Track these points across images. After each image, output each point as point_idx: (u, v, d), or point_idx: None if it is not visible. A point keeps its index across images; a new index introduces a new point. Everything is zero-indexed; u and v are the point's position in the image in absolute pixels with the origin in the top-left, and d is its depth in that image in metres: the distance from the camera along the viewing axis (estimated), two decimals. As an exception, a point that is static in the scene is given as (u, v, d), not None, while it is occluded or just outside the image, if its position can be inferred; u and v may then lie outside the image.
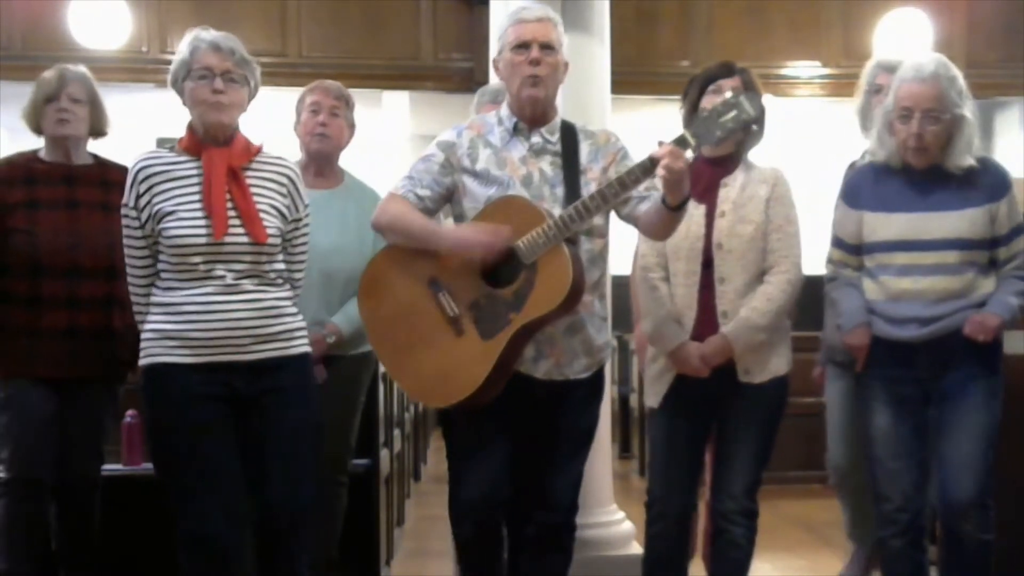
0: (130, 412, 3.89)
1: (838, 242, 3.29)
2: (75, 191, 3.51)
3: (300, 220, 3.04)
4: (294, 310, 3.00)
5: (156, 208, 2.89)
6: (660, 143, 2.73)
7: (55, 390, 3.45)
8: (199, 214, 2.87)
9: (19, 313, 3.43)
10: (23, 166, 3.54)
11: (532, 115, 2.99)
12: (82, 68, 3.60)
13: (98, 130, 3.60)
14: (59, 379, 3.45)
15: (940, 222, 3.10)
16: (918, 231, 3.11)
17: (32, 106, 3.53)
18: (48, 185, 3.50)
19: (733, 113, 2.74)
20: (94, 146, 3.67)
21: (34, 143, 3.63)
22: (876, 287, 3.17)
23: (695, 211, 3.16)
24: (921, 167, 3.14)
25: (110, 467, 3.76)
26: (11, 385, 3.44)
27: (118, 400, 3.65)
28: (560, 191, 2.95)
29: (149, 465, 3.83)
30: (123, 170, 3.61)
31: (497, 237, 2.85)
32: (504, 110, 3.04)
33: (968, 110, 3.10)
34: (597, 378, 3.09)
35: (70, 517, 3.54)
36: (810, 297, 3.50)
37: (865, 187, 3.22)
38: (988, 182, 3.14)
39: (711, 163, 3.23)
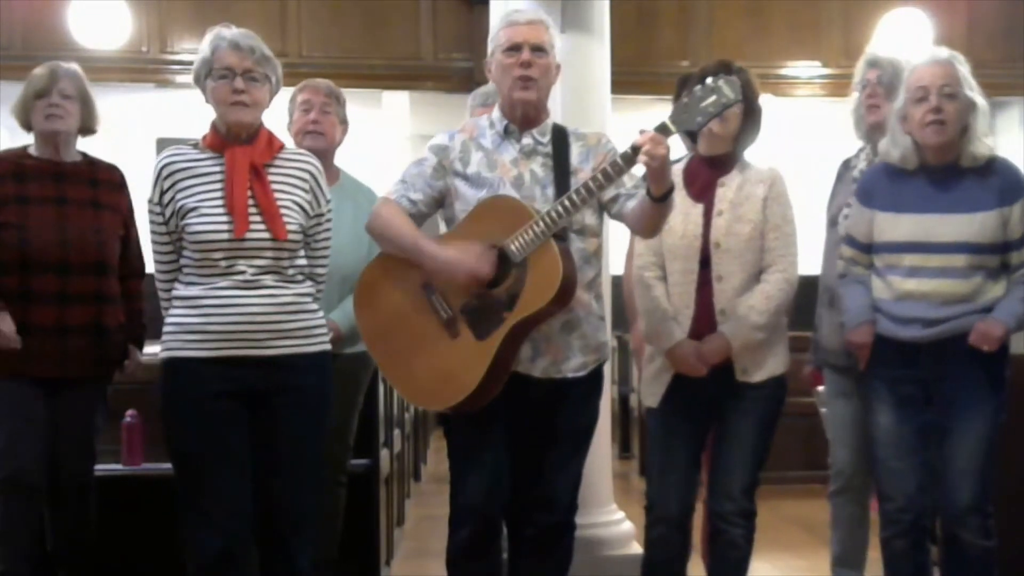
0: (130, 412, 3.88)
1: (850, 240, 3.29)
2: (64, 188, 3.49)
3: (322, 215, 3.06)
4: (315, 307, 3.02)
5: (180, 204, 2.93)
6: (641, 131, 2.72)
7: (45, 390, 3.43)
8: (221, 210, 2.89)
9: (9, 309, 3.40)
10: (12, 161, 3.52)
11: (523, 117, 2.99)
12: (74, 65, 3.59)
13: (88, 127, 3.58)
14: (50, 379, 3.43)
15: (950, 225, 3.08)
16: (927, 233, 3.09)
17: (22, 101, 3.52)
18: (38, 181, 3.48)
19: (713, 98, 2.71)
20: (90, 145, 3.65)
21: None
22: (884, 286, 3.16)
23: (692, 210, 3.17)
24: (939, 149, 3.09)
25: (110, 467, 3.77)
26: (1, 385, 3.40)
27: (107, 399, 3.63)
28: (551, 192, 2.94)
29: (149, 465, 3.86)
30: (112, 169, 3.62)
31: (481, 265, 2.84)
32: (496, 112, 3.04)
33: (981, 100, 3.09)
34: (596, 377, 3.08)
35: (65, 518, 3.52)
36: (807, 297, 3.50)
37: (879, 187, 3.21)
38: (1002, 185, 3.11)
39: (707, 163, 3.23)
